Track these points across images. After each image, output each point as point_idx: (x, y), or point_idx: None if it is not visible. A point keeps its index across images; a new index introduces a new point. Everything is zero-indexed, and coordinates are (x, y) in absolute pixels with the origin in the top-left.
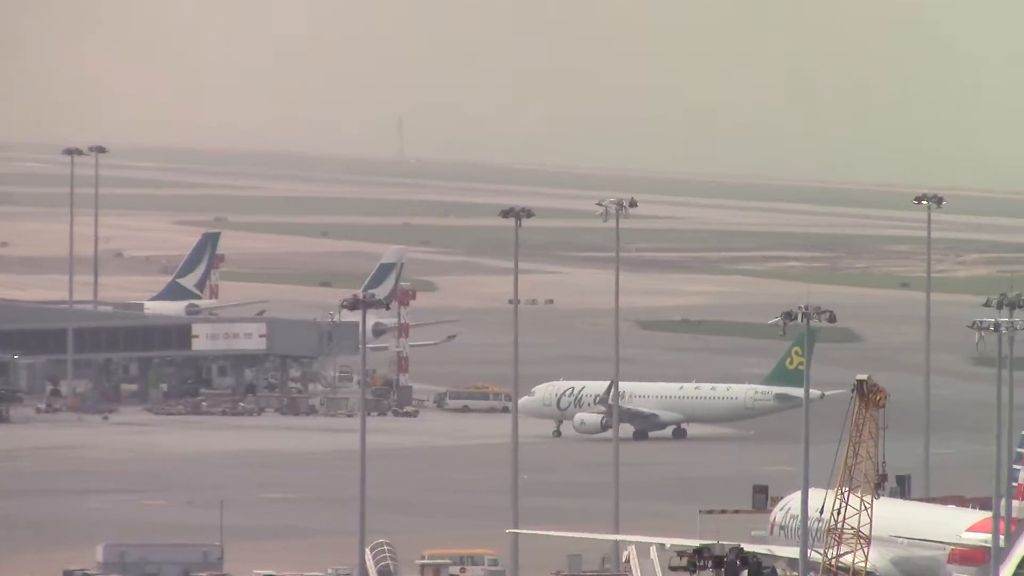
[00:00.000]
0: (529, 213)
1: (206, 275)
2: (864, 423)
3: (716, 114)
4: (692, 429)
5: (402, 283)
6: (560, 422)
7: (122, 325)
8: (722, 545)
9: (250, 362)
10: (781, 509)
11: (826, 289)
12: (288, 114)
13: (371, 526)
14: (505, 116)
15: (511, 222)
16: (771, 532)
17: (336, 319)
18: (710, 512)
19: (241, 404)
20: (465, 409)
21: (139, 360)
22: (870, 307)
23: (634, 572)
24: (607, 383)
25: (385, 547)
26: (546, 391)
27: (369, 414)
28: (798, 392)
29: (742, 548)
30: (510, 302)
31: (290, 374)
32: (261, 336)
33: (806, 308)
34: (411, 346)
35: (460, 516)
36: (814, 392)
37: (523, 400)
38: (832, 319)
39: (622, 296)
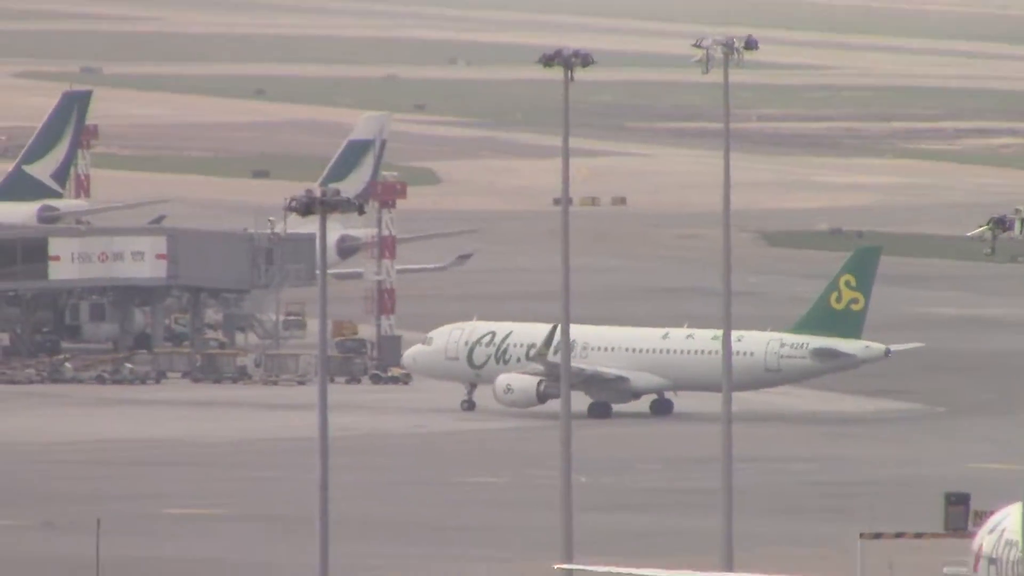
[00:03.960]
0: (587, 60)
1: (69, 159)
2: None
3: None
4: (692, 401)
5: (384, 172)
6: (474, 386)
7: None
8: None
9: (143, 299)
10: (991, 532)
11: None
12: None
13: (340, 560)
14: None
15: (557, 73)
16: (975, 568)
17: (279, 230)
18: (876, 536)
19: (128, 366)
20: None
21: None
22: None
23: None
24: (550, 326)
25: None
26: (450, 338)
27: (334, 380)
28: (848, 346)
29: None
30: (556, 202)
31: (207, 318)
32: (159, 257)
33: None
34: (400, 272)
35: (480, 543)
36: (873, 346)
37: (413, 351)
38: None
39: (738, 193)
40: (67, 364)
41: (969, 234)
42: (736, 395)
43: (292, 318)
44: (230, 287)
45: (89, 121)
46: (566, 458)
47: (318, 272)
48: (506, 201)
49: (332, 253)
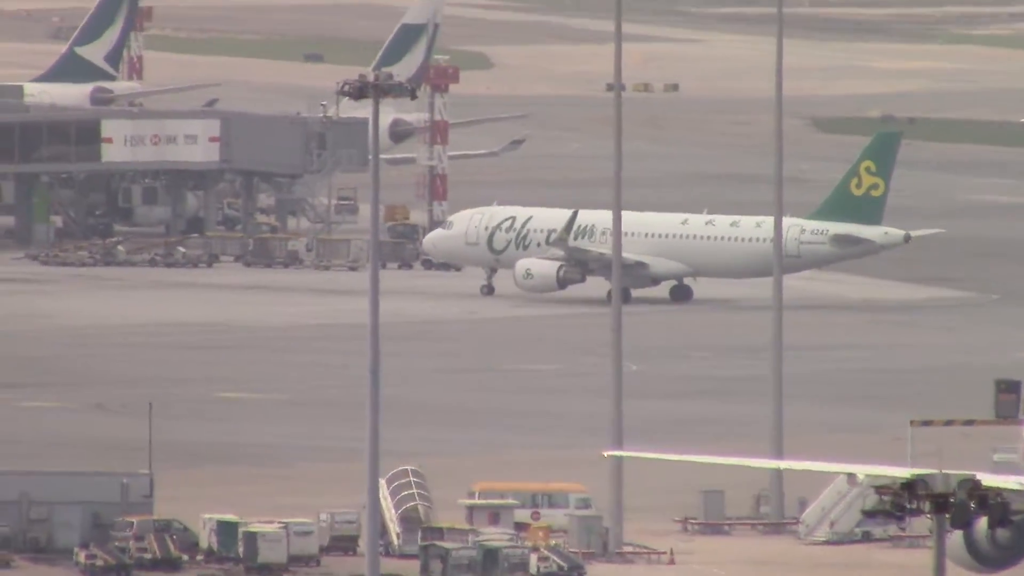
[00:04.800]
0: None
1: (122, 41)
2: None
3: None
4: (711, 288)
5: (436, 56)
6: (493, 271)
7: None
8: (947, 476)
9: (195, 182)
10: None
11: None
12: None
13: (389, 446)
14: None
15: None
16: None
17: (331, 114)
18: (927, 424)
19: (180, 249)
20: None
21: (16, 177)
22: None
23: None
24: (570, 212)
25: (412, 479)
26: (470, 222)
27: (385, 266)
28: (868, 231)
29: (978, 481)
30: (609, 87)
31: (259, 202)
32: (212, 140)
33: None
34: (452, 157)
35: (527, 431)
36: (892, 231)
37: (433, 236)
38: None
39: (790, 79)
40: (120, 247)
41: (1023, 120)
42: (764, 281)
43: (344, 203)
44: (283, 171)
45: (142, 3)
46: (617, 345)
47: (370, 157)
48: (558, 86)
49: (385, 137)
